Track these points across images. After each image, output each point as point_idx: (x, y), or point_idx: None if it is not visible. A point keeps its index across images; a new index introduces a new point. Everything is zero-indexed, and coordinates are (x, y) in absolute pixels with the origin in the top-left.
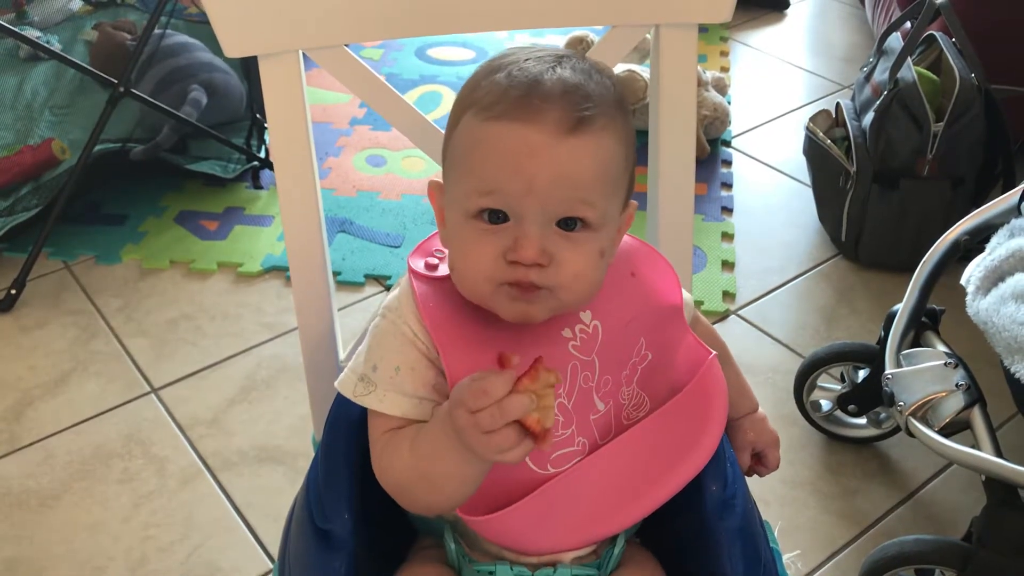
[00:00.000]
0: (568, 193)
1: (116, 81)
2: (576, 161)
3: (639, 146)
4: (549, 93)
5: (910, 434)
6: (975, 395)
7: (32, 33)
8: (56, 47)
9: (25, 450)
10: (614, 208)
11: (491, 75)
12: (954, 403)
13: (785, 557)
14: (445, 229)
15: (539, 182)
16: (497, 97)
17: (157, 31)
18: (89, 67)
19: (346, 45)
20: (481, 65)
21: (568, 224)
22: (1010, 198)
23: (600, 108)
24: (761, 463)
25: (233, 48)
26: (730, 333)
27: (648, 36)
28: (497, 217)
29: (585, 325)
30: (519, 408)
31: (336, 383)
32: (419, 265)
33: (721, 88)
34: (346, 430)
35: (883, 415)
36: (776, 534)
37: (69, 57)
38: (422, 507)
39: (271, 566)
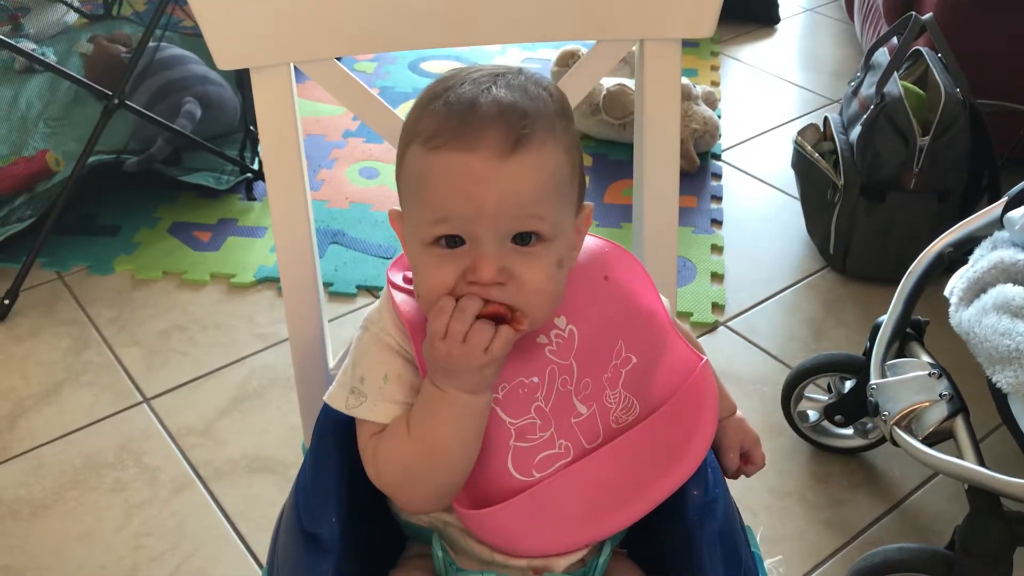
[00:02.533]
0: (517, 211)
1: (111, 93)
2: (520, 180)
3: (629, 159)
4: (486, 116)
5: (895, 443)
6: (958, 405)
7: (28, 45)
8: (51, 59)
9: (17, 459)
10: (566, 216)
11: (431, 103)
12: (937, 413)
13: (767, 562)
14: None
15: (488, 206)
16: (437, 127)
17: (152, 44)
18: (84, 79)
19: (339, 58)
20: (423, 92)
21: (523, 239)
22: (993, 211)
23: (538, 122)
24: (749, 462)
25: (225, 60)
26: (719, 344)
27: (634, 50)
28: (454, 241)
29: (560, 330)
30: (473, 301)
31: (325, 397)
32: (398, 278)
33: (711, 102)
34: (334, 436)
35: (869, 425)
36: (758, 540)
37: (64, 69)
38: (429, 489)
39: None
